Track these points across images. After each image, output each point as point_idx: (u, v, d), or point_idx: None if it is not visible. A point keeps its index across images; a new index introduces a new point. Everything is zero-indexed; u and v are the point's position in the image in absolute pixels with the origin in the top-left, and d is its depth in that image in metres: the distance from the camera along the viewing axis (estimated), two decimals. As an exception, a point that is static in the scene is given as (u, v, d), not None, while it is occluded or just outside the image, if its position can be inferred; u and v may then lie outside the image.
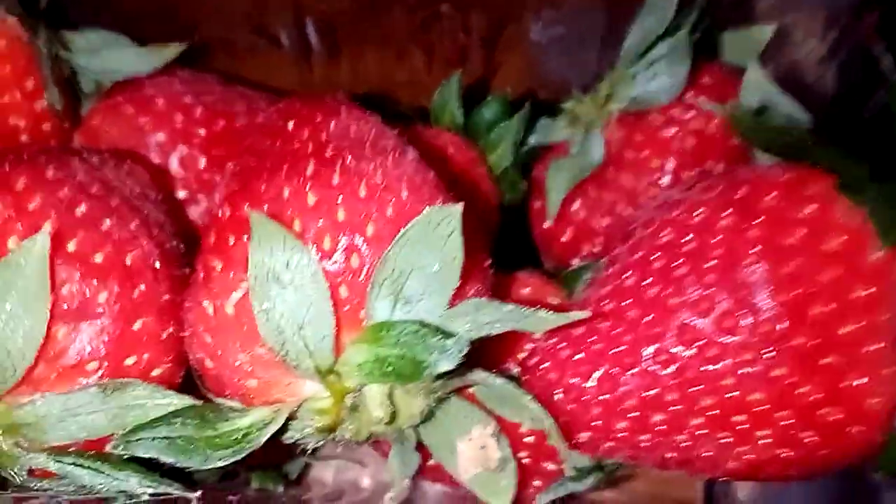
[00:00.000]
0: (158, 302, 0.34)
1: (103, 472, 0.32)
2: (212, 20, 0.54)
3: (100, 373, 0.32)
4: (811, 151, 0.33)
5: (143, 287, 0.33)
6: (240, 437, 0.32)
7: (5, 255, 0.29)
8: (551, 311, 0.32)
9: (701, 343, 0.32)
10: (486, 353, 0.39)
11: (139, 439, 0.31)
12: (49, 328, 0.30)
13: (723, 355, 0.32)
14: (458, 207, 0.30)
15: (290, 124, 0.38)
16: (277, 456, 0.47)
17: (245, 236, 0.32)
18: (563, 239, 0.49)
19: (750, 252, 0.31)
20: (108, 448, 0.30)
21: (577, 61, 0.54)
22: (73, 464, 0.32)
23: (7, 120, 0.44)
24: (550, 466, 0.41)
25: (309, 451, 0.49)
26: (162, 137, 0.46)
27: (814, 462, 0.33)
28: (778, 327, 0.31)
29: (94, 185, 0.35)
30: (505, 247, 0.53)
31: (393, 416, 0.35)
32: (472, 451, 0.38)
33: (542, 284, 0.44)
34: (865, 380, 0.31)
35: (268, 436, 0.32)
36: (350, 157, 0.34)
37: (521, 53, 0.55)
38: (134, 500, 0.33)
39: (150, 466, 0.34)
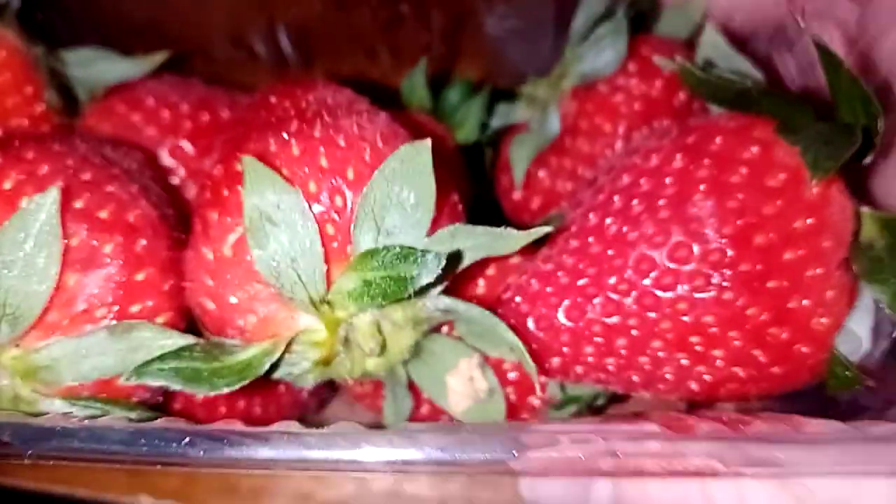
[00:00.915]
0: (160, 255, 0.37)
1: (114, 413, 0.34)
2: (192, 34, 0.58)
3: (108, 318, 0.34)
4: (755, 101, 0.37)
5: (144, 241, 0.36)
6: (243, 367, 0.34)
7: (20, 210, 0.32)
8: (521, 231, 0.35)
9: (657, 272, 0.35)
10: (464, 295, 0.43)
11: (150, 370, 0.33)
12: (60, 276, 0.33)
13: (676, 282, 0.35)
14: (427, 142, 0.34)
15: (273, 98, 0.41)
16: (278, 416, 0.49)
17: (238, 186, 0.35)
18: (533, 207, 0.52)
19: (699, 189, 0.35)
20: (120, 380, 0.33)
21: (533, 50, 0.58)
22: (86, 406, 0.34)
23: (9, 122, 0.48)
24: (535, 401, 0.44)
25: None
26: (152, 132, 0.50)
27: (768, 380, 0.36)
28: (726, 255, 0.34)
29: (96, 158, 0.38)
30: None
31: (383, 349, 0.38)
32: (462, 385, 0.41)
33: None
34: (808, 301, 0.34)
35: (268, 365, 0.34)
36: (328, 115, 0.37)
37: (481, 46, 0.59)
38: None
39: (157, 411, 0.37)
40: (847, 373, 0.34)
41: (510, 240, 0.36)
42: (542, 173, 0.51)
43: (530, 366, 0.36)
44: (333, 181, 0.35)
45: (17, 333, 0.33)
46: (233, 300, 0.35)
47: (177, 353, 0.34)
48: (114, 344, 0.34)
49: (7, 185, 0.33)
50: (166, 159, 0.50)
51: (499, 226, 0.55)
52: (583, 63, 0.49)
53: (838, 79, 0.34)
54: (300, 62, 0.61)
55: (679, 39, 0.51)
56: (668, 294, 0.35)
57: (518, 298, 0.39)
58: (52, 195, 0.32)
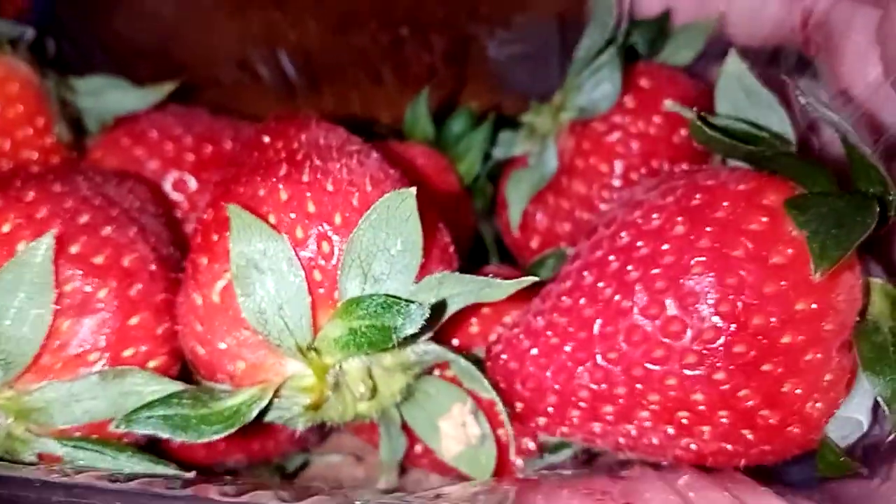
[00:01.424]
0: (154, 300, 0.37)
1: (105, 455, 0.35)
2: (199, 60, 0.59)
3: (101, 363, 0.35)
4: (769, 160, 0.35)
5: (139, 286, 0.36)
6: (231, 413, 0.34)
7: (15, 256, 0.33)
8: (508, 280, 0.35)
9: (647, 345, 0.34)
10: (457, 335, 0.43)
11: (139, 418, 0.33)
12: (54, 321, 0.33)
13: (667, 358, 0.33)
14: (412, 190, 0.33)
15: (266, 138, 0.41)
16: (279, 450, 0.49)
17: (227, 232, 0.35)
18: (532, 245, 0.51)
19: (698, 261, 0.33)
20: (111, 427, 0.33)
21: (539, 74, 0.57)
22: (77, 447, 0.35)
23: (20, 154, 0.49)
24: (530, 444, 0.43)
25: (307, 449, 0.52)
26: (155, 165, 0.50)
27: (757, 455, 0.35)
28: (720, 335, 0.32)
29: (96, 199, 0.39)
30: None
31: (374, 393, 0.38)
32: (454, 429, 0.41)
33: (510, 275, 0.47)
34: (803, 387, 0.32)
35: (256, 411, 0.35)
36: (317, 158, 0.37)
37: (486, 71, 0.59)
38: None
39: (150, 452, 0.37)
40: (837, 460, 0.33)
41: (498, 289, 0.35)
42: (539, 214, 0.50)
43: (509, 429, 0.37)
44: (320, 227, 0.35)
45: (10, 377, 0.33)
46: (221, 346, 0.35)
47: (165, 401, 0.34)
48: (105, 389, 0.34)
49: (5, 229, 0.34)
50: (170, 192, 0.50)
51: (503, 258, 0.55)
52: (581, 95, 0.48)
53: (851, 149, 0.33)
54: (306, 87, 0.62)
55: (683, 65, 0.50)
56: (658, 368, 0.34)
57: (505, 356, 0.39)
58: (47, 243, 0.33)
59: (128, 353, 0.36)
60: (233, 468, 0.48)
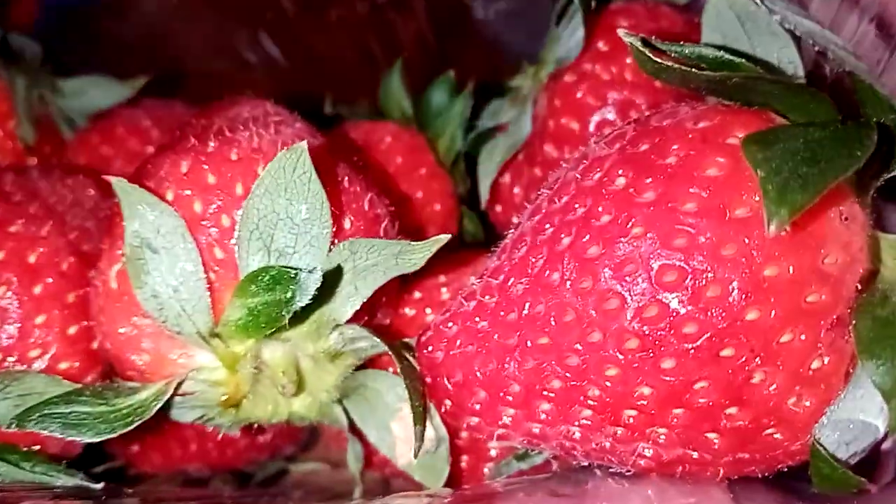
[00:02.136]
0: (64, 299, 0.34)
1: (11, 463, 0.32)
2: (187, 51, 0.57)
3: (4, 364, 0.33)
4: (748, 88, 0.27)
5: (46, 282, 0.34)
6: (131, 410, 0.31)
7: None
8: (419, 243, 0.30)
9: (581, 327, 0.27)
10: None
11: (33, 417, 0.30)
12: None
13: (604, 343, 0.26)
14: (302, 144, 0.29)
15: (201, 120, 0.38)
16: (250, 461, 0.46)
17: (129, 213, 0.32)
18: (514, 220, 0.45)
19: (637, 219, 0.26)
20: (3, 427, 0.30)
21: (533, 31, 0.51)
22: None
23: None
24: (493, 451, 0.38)
25: (285, 457, 0.48)
26: (120, 163, 0.49)
27: (735, 465, 0.27)
28: (666, 311, 0.25)
29: (17, 194, 0.37)
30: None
31: (299, 387, 0.33)
32: (406, 432, 0.35)
33: (479, 256, 0.41)
34: (780, 378, 0.25)
35: (159, 405, 0.31)
36: (229, 131, 0.33)
37: (478, 33, 0.53)
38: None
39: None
40: (835, 472, 0.25)
41: (413, 253, 0.30)
42: (514, 186, 0.44)
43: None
44: (219, 199, 0.31)
45: None
46: (121, 336, 0.32)
47: (65, 398, 0.31)
48: (4, 392, 0.32)
49: None
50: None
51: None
52: (559, 45, 0.41)
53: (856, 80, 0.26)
54: (292, 65, 0.58)
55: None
56: (594, 355, 0.27)
57: (431, 346, 0.32)
58: None
59: (33, 353, 0.33)
60: (196, 477, 0.44)
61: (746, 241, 0.24)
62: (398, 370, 0.32)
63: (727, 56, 0.29)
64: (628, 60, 0.38)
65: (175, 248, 0.30)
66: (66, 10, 0.58)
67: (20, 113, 0.49)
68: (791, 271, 0.24)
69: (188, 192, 0.31)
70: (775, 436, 0.26)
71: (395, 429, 0.35)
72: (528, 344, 0.28)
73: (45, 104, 0.51)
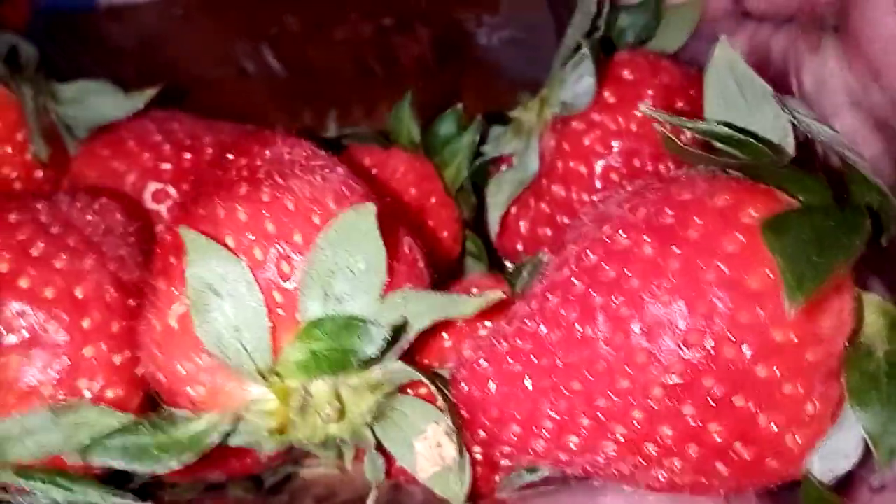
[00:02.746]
0: (110, 330, 0.35)
1: (61, 486, 0.34)
2: (186, 58, 0.57)
3: (55, 395, 0.33)
4: (756, 169, 0.31)
5: (93, 317, 0.35)
6: (191, 440, 0.32)
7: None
8: (476, 296, 0.32)
9: (612, 376, 0.31)
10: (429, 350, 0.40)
11: (97, 449, 0.32)
12: (3, 358, 0.32)
13: (632, 390, 0.30)
14: (371, 205, 0.31)
15: (231, 155, 0.39)
16: (260, 467, 0.48)
17: (184, 256, 0.33)
18: (519, 248, 0.48)
19: (665, 286, 0.29)
20: (69, 460, 0.32)
21: (534, 60, 0.54)
22: (36, 479, 0.33)
23: (1, 170, 0.47)
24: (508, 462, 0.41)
25: (293, 461, 0.50)
26: (133, 177, 0.48)
27: (735, 486, 0.32)
28: (689, 368, 0.29)
29: (54, 225, 0.37)
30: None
31: (342, 414, 0.35)
32: (428, 450, 0.38)
33: (493, 284, 0.44)
34: (781, 421, 0.29)
35: (219, 438, 0.33)
36: (278, 175, 0.35)
37: (480, 58, 0.55)
38: None
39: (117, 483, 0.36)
40: (821, 495, 0.30)
41: (465, 306, 0.33)
42: (521, 218, 0.47)
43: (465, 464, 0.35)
44: (279, 247, 0.33)
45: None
46: (181, 372, 0.33)
47: (124, 430, 0.32)
48: (58, 423, 0.33)
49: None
50: (150, 204, 0.48)
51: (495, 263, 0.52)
52: (564, 89, 0.44)
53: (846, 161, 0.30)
54: (293, 79, 0.59)
55: (673, 50, 0.46)
56: (623, 400, 0.31)
57: (467, 383, 0.36)
58: None
59: (82, 384, 0.34)
60: (214, 483, 0.46)
61: (759, 310, 0.28)
62: (439, 404, 0.36)
63: (738, 135, 0.33)
64: (637, 113, 0.42)
65: (239, 293, 0.32)
66: (57, 13, 0.56)
67: (31, 125, 0.47)
68: (794, 336, 0.28)
69: (249, 240, 0.33)
70: (773, 465, 0.30)
71: (418, 447, 0.38)
72: (562, 388, 0.32)
73: (47, 113, 0.50)
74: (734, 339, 0.28)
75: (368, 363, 0.32)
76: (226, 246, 0.32)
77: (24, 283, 0.33)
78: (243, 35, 0.56)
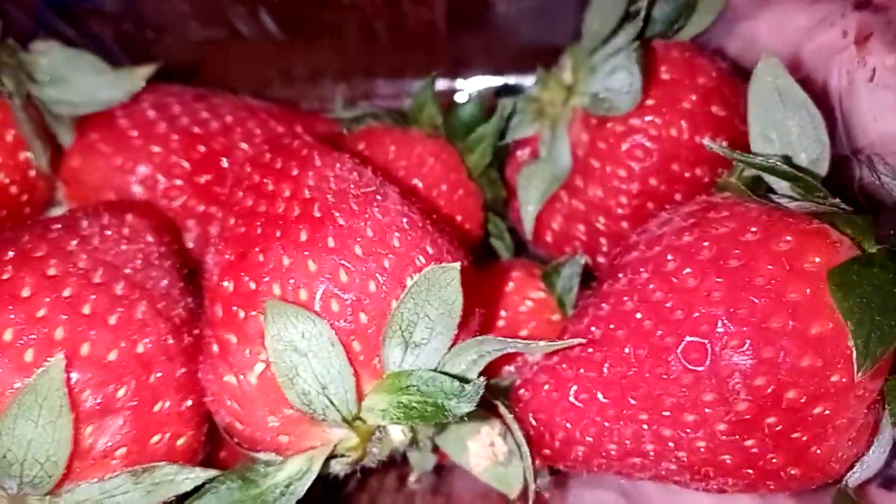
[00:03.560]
0: (174, 380, 0.34)
1: None
2: (171, 20, 0.51)
3: (129, 457, 0.32)
4: (817, 208, 0.32)
5: (158, 374, 0.33)
6: (283, 488, 0.33)
7: (25, 375, 0.29)
8: (545, 342, 0.33)
9: (680, 411, 0.32)
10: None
11: (192, 507, 0.32)
12: (77, 429, 0.30)
13: (699, 424, 0.32)
14: (457, 266, 0.30)
15: (270, 184, 0.36)
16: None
17: (254, 311, 0.31)
18: (547, 239, 0.48)
19: (735, 332, 0.31)
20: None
21: (553, 28, 0.50)
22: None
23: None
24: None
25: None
26: (143, 173, 0.44)
27: (776, 491, 0.35)
28: (754, 409, 0.31)
29: (96, 271, 0.34)
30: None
31: (414, 439, 0.36)
32: (481, 449, 0.40)
33: (526, 276, 0.45)
34: (829, 447, 0.32)
35: (308, 484, 0.33)
36: (339, 215, 0.33)
37: (492, 26, 0.52)
38: None
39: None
40: (852, 501, 0.33)
41: (534, 348, 0.34)
42: (553, 214, 0.46)
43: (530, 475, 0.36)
44: (355, 297, 0.31)
45: (41, 493, 0.31)
46: (264, 424, 0.33)
47: (214, 488, 0.32)
48: (136, 484, 0.32)
49: (7, 337, 0.30)
50: (161, 201, 0.45)
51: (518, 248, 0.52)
52: (594, 79, 0.43)
53: None
54: (294, 43, 0.54)
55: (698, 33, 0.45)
56: (689, 431, 0.33)
57: (533, 406, 0.37)
58: (58, 364, 0.29)
59: (154, 440, 0.33)
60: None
61: (819, 359, 0.30)
62: (506, 420, 0.37)
63: (794, 172, 0.34)
64: (679, 121, 0.41)
65: (322, 351, 0.31)
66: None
67: (26, 130, 0.42)
68: (847, 379, 0.30)
69: (323, 292, 0.31)
70: (815, 479, 0.33)
71: (472, 446, 0.40)
72: (630, 417, 0.34)
73: (31, 103, 0.43)
74: (797, 384, 0.30)
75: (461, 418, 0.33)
76: (299, 301, 0.31)
77: (85, 349, 0.31)
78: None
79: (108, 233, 0.37)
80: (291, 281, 0.32)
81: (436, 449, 0.42)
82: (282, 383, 0.31)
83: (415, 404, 0.32)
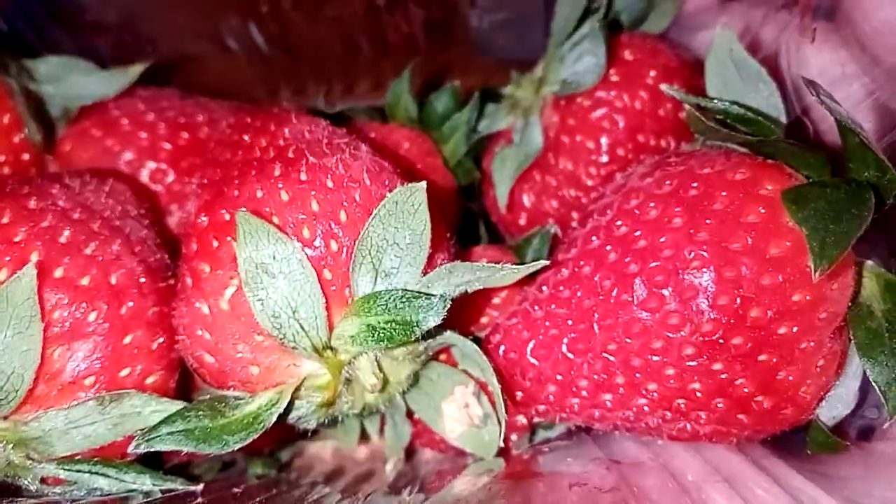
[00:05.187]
0: (146, 315, 0.34)
1: (109, 476, 0.32)
2: (167, 34, 0.53)
3: (97, 386, 0.32)
4: (765, 145, 0.33)
5: (130, 304, 0.33)
6: (251, 420, 0.32)
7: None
8: (514, 265, 0.33)
9: (647, 337, 0.32)
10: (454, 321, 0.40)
11: (159, 436, 0.31)
12: (45, 350, 0.30)
13: (666, 349, 0.32)
14: (422, 185, 0.31)
15: (247, 137, 0.38)
16: (271, 441, 0.47)
17: (228, 237, 0.32)
18: (520, 223, 0.49)
19: (698, 256, 0.31)
20: (130, 448, 0.30)
21: (524, 42, 0.53)
22: (80, 470, 0.32)
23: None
24: (522, 420, 0.42)
25: (303, 433, 0.50)
26: (130, 156, 0.45)
27: (750, 434, 0.34)
28: (719, 328, 0.31)
29: (75, 211, 0.34)
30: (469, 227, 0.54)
31: (384, 384, 0.35)
32: (456, 411, 0.39)
33: (500, 255, 0.45)
34: (797, 373, 0.31)
35: (276, 416, 0.32)
36: (311, 155, 0.34)
37: (468, 38, 0.55)
38: (146, 500, 0.33)
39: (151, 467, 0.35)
40: (826, 439, 0.33)
41: (506, 275, 0.34)
42: (525, 192, 0.47)
43: (502, 417, 0.35)
44: (326, 226, 0.32)
45: (5, 412, 0.30)
46: (233, 353, 0.32)
47: (182, 415, 0.31)
48: (103, 413, 0.31)
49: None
50: (147, 184, 0.46)
51: (491, 235, 0.53)
52: (563, 68, 0.45)
53: (848, 135, 0.31)
54: (281, 57, 0.56)
55: (660, 31, 0.48)
56: (657, 358, 0.32)
57: (504, 347, 0.37)
58: (29, 275, 0.29)
59: (124, 373, 0.33)
60: (229, 460, 0.45)
61: (781, 276, 0.30)
62: (460, 361, 0.36)
63: (749, 114, 0.35)
64: (640, 93, 0.43)
65: (293, 272, 0.31)
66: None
67: (21, 108, 0.43)
68: (809, 297, 0.31)
69: (296, 219, 0.32)
70: (787, 413, 0.33)
71: (447, 409, 0.39)
72: (599, 349, 0.34)
73: (29, 94, 0.45)
74: (759, 302, 0.30)
75: (428, 335, 0.32)
76: (272, 225, 0.31)
77: (59, 272, 0.31)
78: (231, 10, 0.52)
79: (90, 187, 0.37)
80: (266, 209, 0.32)
81: (410, 415, 0.41)
82: (252, 305, 0.31)
83: (383, 325, 0.31)
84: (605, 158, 0.43)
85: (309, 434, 0.49)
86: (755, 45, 0.43)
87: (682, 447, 0.37)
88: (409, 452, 0.47)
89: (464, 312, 0.41)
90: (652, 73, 0.43)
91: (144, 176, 0.46)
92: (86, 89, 0.47)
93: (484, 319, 0.42)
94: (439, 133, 0.50)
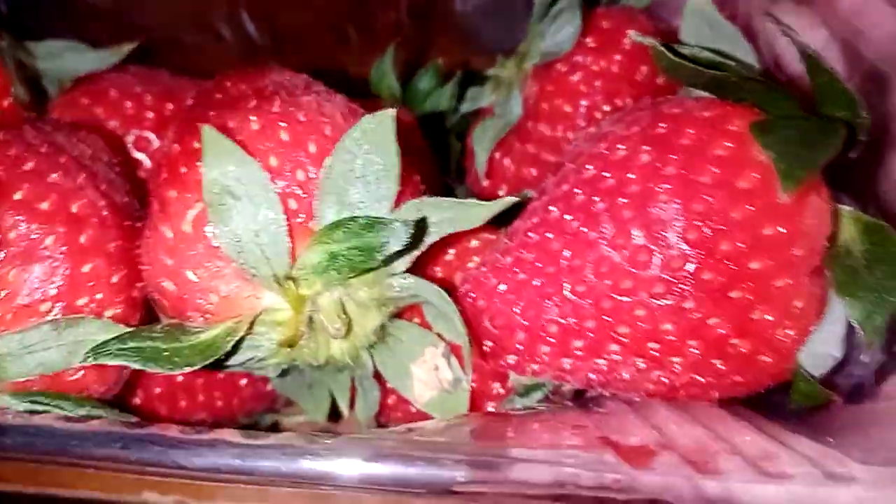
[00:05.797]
0: (106, 247, 0.33)
1: (64, 409, 0.31)
2: (159, 21, 0.55)
3: (53, 312, 0.31)
4: (735, 87, 0.33)
5: (89, 232, 0.33)
6: (205, 347, 0.31)
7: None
8: (486, 203, 0.33)
9: (615, 276, 0.32)
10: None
11: (109, 350, 0.30)
12: (2, 269, 0.30)
13: (636, 288, 0.31)
14: (392, 111, 0.31)
15: (229, 82, 0.38)
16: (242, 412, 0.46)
17: (197, 163, 0.32)
18: (501, 194, 0.49)
19: (664, 189, 0.31)
20: (79, 361, 0.30)
21: (509, 28, 0.54)
22: (35, 401, 0.31)
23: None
24: (500, 389, 0.40)
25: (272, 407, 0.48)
26: (115, 123, 0.46)
27: (729, 386, 0.33)
28: (688, 263, 0.30)
29: (42, 146, 0.35)
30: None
31: (348, 331, 0.34)
32: (426, 374, 0.37)
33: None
34: (774, 313, 0.30)
35: (230, 345, 0.31)
36: (285, 92, 0.34)
37: (454, 25, 0.56)
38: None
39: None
40: (811, 388, 0.31)
41: (476, 211, 0.33)
42: (506, 161, 0.47)
43: (468, 364, 0.35)
44: (294, 155, 0.32)
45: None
46: (193, 278, 0.32)
47: (136, 334, 0.31)
48: (58, 339, 0.31)
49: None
50: (132, 152, 0.46)
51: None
52: (544, 40, 0.46)
53: (819, 74, 0.31)
54: (270, 46, 0.58)
55: (641, 8, 0.48)
56: (626, 299, 0.31)
57: (473, 294, 0.36)
58: None
59: (81, 301, 0.32)
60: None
61: (750, 207, 0.30)
62: (430, 320, 0.35)
63: (719, 58, 0.35)
64: (617, 57, 0.44)
65: (257, 196, 0.31)
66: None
67: (10, 70, 0.44)
68: (783, 231, 0.30)
69: (264, 147, 0.32)
70: (765, 360, 0.31)
71: (416, 371, 0.38)
72: (567, 291, 0.33)
73: (22, 64, 0.47)
74: (729, 234, 0.30)
75: (388, 265, 0.32)
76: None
77: (18, 195, 0.31)
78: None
79: (64, 131, 0.38)
80: (236, 137, 0.32)
81: (378, 376, 0.39)
82: (215, 226, 0.31)
83: (344, 252, 0.31)
84: (582, 122, 0.44)
85: (279, 410, 0.49)
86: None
87: (663, 406, 0.35)
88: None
89: (437, 275, 0.40)
90: (627, 40, 0.43)
91: (130, 144, 0.46)
92: (78, 64, 0.49)
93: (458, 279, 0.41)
94: (422, 110, 0.51)
